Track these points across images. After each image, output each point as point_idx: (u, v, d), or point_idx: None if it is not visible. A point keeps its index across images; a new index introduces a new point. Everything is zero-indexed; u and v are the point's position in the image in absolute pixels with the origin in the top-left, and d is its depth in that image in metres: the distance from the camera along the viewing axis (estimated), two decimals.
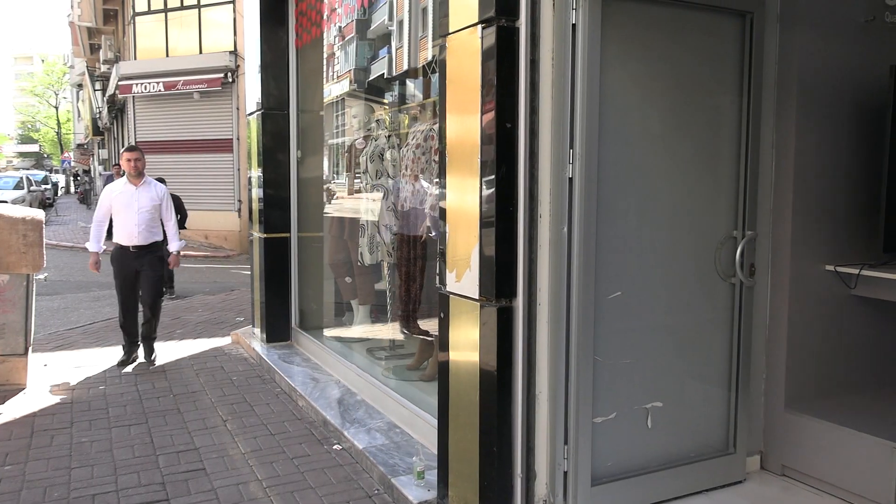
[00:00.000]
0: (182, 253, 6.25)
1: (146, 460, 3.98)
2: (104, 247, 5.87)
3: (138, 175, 5.80)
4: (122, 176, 6.84)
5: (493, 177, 2.82)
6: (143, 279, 5.80)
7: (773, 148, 3.33)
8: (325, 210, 6.19)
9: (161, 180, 6.90)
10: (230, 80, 15.75)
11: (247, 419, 4.64)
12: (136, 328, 5.98)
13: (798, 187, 3.29)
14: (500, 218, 2.83)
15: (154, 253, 5.80)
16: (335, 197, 6.12)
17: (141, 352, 6.08)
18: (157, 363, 5.99)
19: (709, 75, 3.16)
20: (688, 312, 3.17)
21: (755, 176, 3.22)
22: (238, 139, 15.61)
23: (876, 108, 3.32)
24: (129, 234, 5.72)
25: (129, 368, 5.85)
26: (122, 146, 22.19)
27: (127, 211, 5.72)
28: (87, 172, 37.77)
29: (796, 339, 3.37)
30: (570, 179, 2.81)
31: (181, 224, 8.29)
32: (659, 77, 3.02)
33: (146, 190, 5.83)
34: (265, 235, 6.26)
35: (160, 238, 5.87)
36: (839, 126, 3.38)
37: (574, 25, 2.76)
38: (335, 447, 4.12)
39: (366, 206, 5.33)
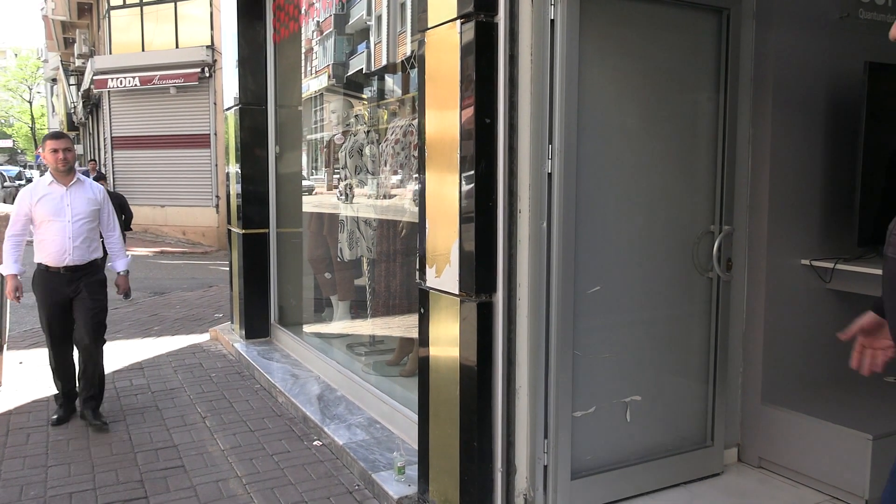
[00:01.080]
0: (161, 250, 6.11)
1: (124, 458, 3.95)
2: (24, 268, 4.45)
3: (69, 171, 4.32)
4: (98, 173, 6.81)
5: (472, 172, 2.82)
6: (78, 311, 4.30)
7: (749, 143, 3.36)
8: (305, 206, 6.16)
9: (101, 177, 6.87)
10: (207, 74, 15.60)
11: (226, 416, 4.61)
12: (73, 378, 4.51)
13: (774, 182, 3.33)
14: (480, 213, 2.83)
15: (93, 275, 4.38)
16: (314, 192, 6.11)
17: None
18: (107, 422, 4.39)
19: (686, 71, 3.18)
20: (666, 307, 3.20)
21: (732, 171, 3.25)
22: (215, 134, 15.47)
23: (850, 104, 3.37)
24: (60, 252, 4.26)
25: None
26: (98, 141, 21.94)
27: (56, 220, 4.24)
28: None
29: (773, 332, 3.42)
30: (549, 175, 2.82)
31: (126, 225, 8.09)
32: (637, 73, 3.03)
33: (81, 190, 4.35)
34: (244, 231, 6.21)
35: (100, 255, 4.52)
36: (814, 122, 3.42)
37: (553, 21, 2.77)
38: (315, 443, 4.10)
39: (345, 201, 5.31)
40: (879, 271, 2.93)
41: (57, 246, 4.27)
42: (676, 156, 3.18)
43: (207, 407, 4.79)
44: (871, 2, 3.53)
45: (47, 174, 4.35)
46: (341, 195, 5.28)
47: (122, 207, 8.07)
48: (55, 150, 4.28)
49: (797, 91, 3.36)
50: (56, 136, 4.42)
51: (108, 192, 7.91)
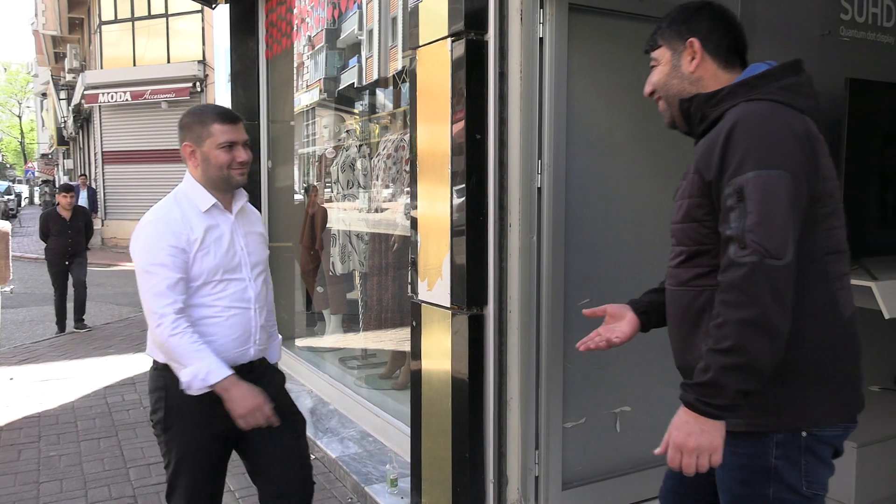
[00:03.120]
0: None
1: (116, 473, 3.95)
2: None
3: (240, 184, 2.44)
4: (88, 188, 6.93)
5: (463, 187, 2.87)
6: (275, 468, 2.55)
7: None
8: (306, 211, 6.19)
9: (94, 192, 7.18)
10: (199, 89, 15.65)
11: None
12: None
13: None
14: (471, 227, 2.88)
15: (273, 375, 2.68)
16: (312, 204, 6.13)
17: None
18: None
19: None
20: None
21: None
22: None
23: (832, 120, 3.44)
24: (242, 338, 2.36)
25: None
26: (88, 156, 21.91)
27: (233, 277, 2.35)
28: (47, 183, 37.11)
29: None
30: (539, 189, 2.87)
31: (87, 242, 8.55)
32: (625, 88, 3.09)
33: (247, 220, 2.52)
34: None
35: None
36: None
37: (541, 39, 2.83)
38: None
39: (337, 215, 5.35)
40: (863, 283, 3.00)
41: (237, 328, 2.33)
42: (664, 170, 3.23)
43: None
44: (852, 20, 3.62)
45: (187, 187, 2.31)
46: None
47: (88, 225, 8.39)
48: (230, 144, 2.28)
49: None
50: (227, 116, 2.32)
51: (76, 206, 8.08)
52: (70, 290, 8.11)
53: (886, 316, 2.95)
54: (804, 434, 1.63)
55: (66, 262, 8.09)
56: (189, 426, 2.28)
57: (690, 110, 1.75)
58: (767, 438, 1.65)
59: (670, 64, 1.78)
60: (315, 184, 5.83)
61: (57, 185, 30.85)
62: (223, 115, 2.31)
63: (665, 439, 1.64)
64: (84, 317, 8.22)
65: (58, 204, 8.26)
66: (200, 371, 2.15)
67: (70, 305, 8.15)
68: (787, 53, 3.49)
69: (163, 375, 2.30)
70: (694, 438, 1.56)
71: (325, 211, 5.52)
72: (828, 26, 3.53)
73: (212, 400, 2.19)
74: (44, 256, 8.41)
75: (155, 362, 2.35)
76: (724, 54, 1.75)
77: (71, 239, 8.12)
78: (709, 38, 1.74)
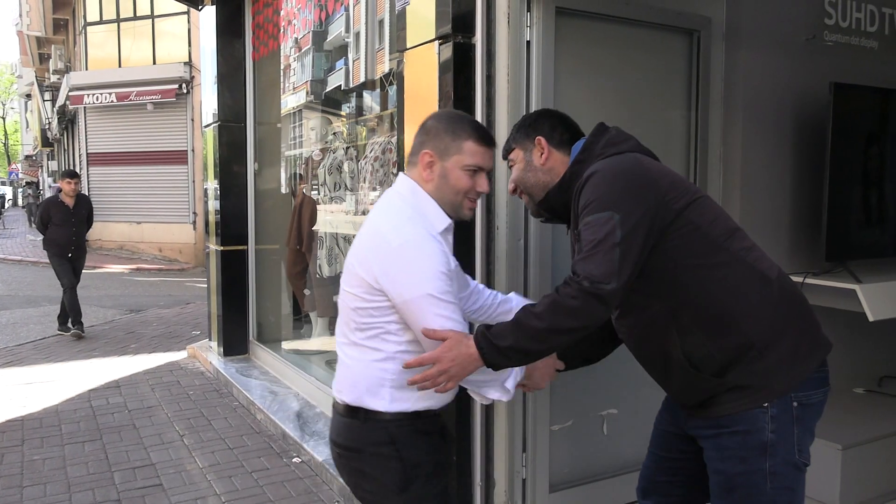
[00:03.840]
0: (137, 267, 6.12)
1: (101, 477, 3.92)
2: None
3: None
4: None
5: None
6: None
7: (720, 161, 3.44)
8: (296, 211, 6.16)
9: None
10: (185, 91, 15.57)
11: (204, 433, 4.59)
12: None
13: (745, 199, 3.41)
14: (458, 231, 2.86)
15: None
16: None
17: None
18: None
19: (659, 90, 3.26)
20: None
21: (703, 187, 3.32)
22: (193, 151, 15.42)
23: (817, 123, 3.47)
24: None
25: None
26: (73, 157, 21.75)
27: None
28: (31, 185, 36.76)
29: None
30: None
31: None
32: (611, 92, 3.10)
33: None
34: (222, 248, 6.20)
35: None
36: (783, 139, 3.52)
37: (528, 42, 2.84)
38: (295, 460, 4.10)
39: (324, 217, 5.33)
40: (847, 285, 3.03)
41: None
42: None
43: (185, 425, 4.76)
44: (836, 24, 3.65)
45: (421, 201, 1.93)
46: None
47: (90, 215, 7.99)
48: (476, 170, 1.96)
49: (766, 110, 3.45)
50: (485, 136, 1.98)
51: (80, 194, 7.71)
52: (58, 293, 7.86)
53: (871, 318, 2.97)
54: (795, 404, 1.80)
55: (70, 255, 7.61)
56: (432, 477, 1.91)
57: (553, 203, 2.04)
58: (764, 413, 1.79)
59: (524, 161, 2.08)
60: (301, 186, 5.82)
61: (40, 187, 30.52)
62: (481, 134, 1.94)
63: (431, 354, 1.76)
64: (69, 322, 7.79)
65: (60, 190, 7.73)
66: (506, 375, 1.88)
67: (57, 307, 8.00)
68: (772, 57, 3.54)
69: (385, 427, 1.86)
70: (458, 361, 1.74)
71: (313, 209, 5.48)
72: (812, 31, 3.56)
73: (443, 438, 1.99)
74: (43, 248, 7.79)
75: (365, 412, 1.87)
76: (566, 146, 2.05)
77: (75, 228, 7.64)
78: (552, 136, 2.05)
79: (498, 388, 1.89)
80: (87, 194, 8.38)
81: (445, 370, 1.73)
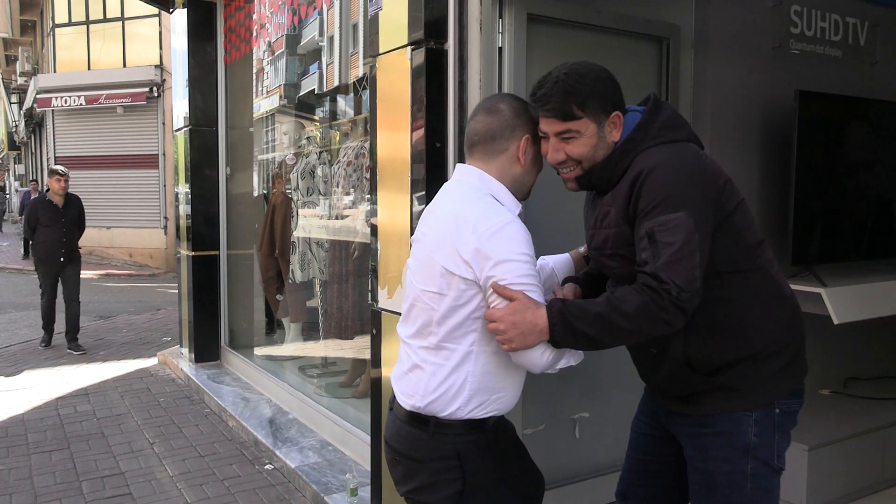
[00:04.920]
0: (106, 273, 5.96)
1: (69, 487, 3.85)
2: None
3: None
4: (39, 193, 6.67)
5: (423, 194, 2.87)
6: None
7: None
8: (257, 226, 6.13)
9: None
10: (156, 94, 15.39)
11: (175, 441, 4.53)
12: None
13: None
14: None
15: None
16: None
17: None
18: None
19: (630, 96, 3.27)
20: None
21: None
22: (164, 155, 15.24)
23: (783, 130, 3.53)
24: None
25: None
26: (41, 161, 21.39)
27: None
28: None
29: None
30: None
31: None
32: None
33: None
34: (193, 253, 6.14)
35: None
36: (750, 146, 3.57)
37: (500, 48, 2.85)
38: (267, 467, 4.07)
39: (297, 222, 5.31)
40: (812, 289, 3.08)
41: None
42: None
43: (155, 433, 4.70)
44: (801, 33, 3.72)
45: (496, 189, 1.92)
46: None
47: (82, 216, 7.39)
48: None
49: (733, 117, 3.51)
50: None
51: (69, 194, 7.03)
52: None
53: (836, 321, 3.03)
54: (777, 411, 1.83)
55: (61, 259, 7.04)
56: (493, 492, 1.89)
57: (592, 178, 1.87)
58: (748, 417, 1.82)
59: (596, 136, 1.82)
60: (275, 190, 5.78)
61: (7, 191, 29.81)
62: None
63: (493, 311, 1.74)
64: (78, 336, 7.25)
65: (48, 190, 7.13)
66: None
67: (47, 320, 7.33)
68: (740, 65, 3.60)
69: (452, 441, 1.84)
70: (519, 328, 1.69)
71: (286, 213, 5.45)
72: (778, 40, 3.63)
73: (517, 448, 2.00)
74: (32, 254, 7.23)
75: (435, 423, 1.84)
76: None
77: (66, 229, 7.06)
78: (622, 107, 1.86)
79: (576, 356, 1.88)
80: (76, 194, 7.48)
81: (503, 332, 1.69)
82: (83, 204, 7.46)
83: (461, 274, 1.76)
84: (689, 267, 1.66)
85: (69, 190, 7.22)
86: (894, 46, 4.10)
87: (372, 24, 3.22)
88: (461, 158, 2.87)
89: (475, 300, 1.78)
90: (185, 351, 6.37)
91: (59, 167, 7.20)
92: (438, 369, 1.83)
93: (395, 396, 1.96)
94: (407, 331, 1.94)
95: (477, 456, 1.85)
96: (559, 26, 3.04)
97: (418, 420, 1.86)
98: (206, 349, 6.19)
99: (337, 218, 4.87)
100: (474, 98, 2.86)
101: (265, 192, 6.09)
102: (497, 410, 1.88)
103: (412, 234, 2.91)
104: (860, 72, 3.95)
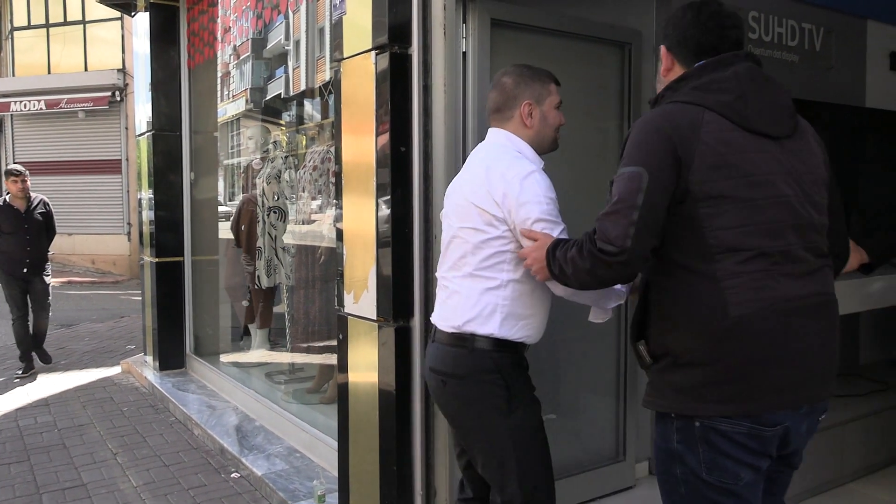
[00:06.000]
0: (68, 280, 5.72)
1: (29, 500, 3.77)
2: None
3: None
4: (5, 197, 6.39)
5: (388, 199, 2.87)
6: None
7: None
8: (222, 232, 6.06)
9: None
10: (118, 98, 15.16)
11: (139, 451, 4.46)
12: None
13: None
14: (396, 240, 2.88)
15: None
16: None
17: None
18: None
19: (593, 101, 3.33)
20: (578, 327, 3.30)
21: None
22: (127, 160, 15.01)
23: None
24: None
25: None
26: (0, 167, 20.93)
27: None
28: None
29: None
30: None
31: None
32: None
33: None
34: (157, 259, 6.06)
35: None
36: None
37: (465, 53, 2.86)
38: (233, 475, 4.02)
39: (262, 228, 5.26)
40: None
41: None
42: (586, 181, 3.31)
43: (119, 443, 4.62)
44: (759, 39, 3.79)
45: (519, 145, 2.26)
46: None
47: (50, 221, 6.74)
48: (559, 106, 2.36)
49: None
50: (556, 78, 2.41)
51: (32, 196, 6.28)
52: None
53: None
54: (697, 424, 1.70)
55: (25, 271, 6.30)
56: (531, 407, 2.23)
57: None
58: (671, 422, 1.74)
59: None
60: (245, 194, 5.73)
61: None
62: (554, 77, 2.34)
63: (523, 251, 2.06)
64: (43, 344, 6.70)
65: (7, 193, 6.37)
66: (608, 296, 2.21)
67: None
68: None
69: (490, 357, 2.13)
70: (539, 262, 1.98)
71: (252, 218, 5.39)
72: None
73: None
74: None
75: (473, 341, 2.13)
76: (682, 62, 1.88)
77: (30, 236, 6.34)
78: (672, 46, 1.92)
79: (600, 311, 2.26)
80: (43, 197, 6.68)
81: (530, 265, 2.00)
82: (51, 207, 6.74)
83: (492, 212, 2.08)
84: (623, 223, 1.65)
85: (35, 192, 6.60)
86: (849, 51, 4.20)
87: (336, 29, 3.21)
88: (426, 162, 2.89)
89: (504, 236, 2.09)
90: (150, 359, 6.28)
91: (15, 167, 6.46)
92: (473, 293, 2.13)
93: (435, 330, 2.25)
94: (444, 267, 2.25)
95: (514, 372, 2.17)
96: (523, 31, 3.06)
97: (459, 339, 2.14)
98: (170, 357, 6.11)
99: (303, 223, 4.84)
100: (439, 102, 2.87)
101: (231, 197, 6.04)
102: (526, 336, 2.18)
103: (378, 238, 2.92)
104: (816, 76, 4.04)
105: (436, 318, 2.26)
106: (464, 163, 2.87)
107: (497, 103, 2.26)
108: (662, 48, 1.87)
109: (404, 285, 2.90)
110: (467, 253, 2.14)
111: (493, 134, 2.28)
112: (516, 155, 2.18)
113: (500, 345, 2.13)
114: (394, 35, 2.85)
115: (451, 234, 2.22)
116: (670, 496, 1.83)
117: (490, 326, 2.11)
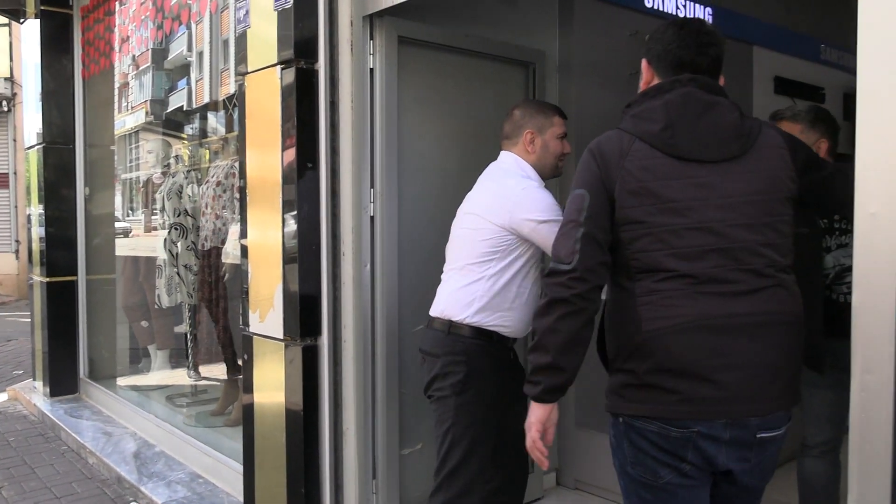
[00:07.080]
0: None
1: None
2: None
3: None
4: None
5: (295, 215, 2.83)
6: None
7: (556, 185, 3.62)
8: (118, 250, 5.80)
9: None
10: (6, 108, 14.33)
11: (27, 483, 4.19)
12: None
13: None
14: (303, 257, 2.83)
15: None
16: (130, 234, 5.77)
17: None
18: None
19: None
20: None
21: None
22: (15, 174, 14.18)
23: None
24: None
25: None
26: None
27: None
28: None
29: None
30: (372, 218, 2.88)
31: None
32: (455, 119, 3.20)
33: None
34: (48, 279, 5.73)
35: None
36: None
37: (372, 70, 2.87)
38: None
39: (162, 245, 5.07)
40: None
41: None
42: None
43: (4, 475, 4.32)
44: None
45: (525, 169, 2.55)
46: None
47: None
48: (563, 136, 2.63)
49: (594, 137, 3.67)
50: (562, 111, 2.68)
51: None
52: None
53: None
54: (621, 420, 1.84)
55: None
56: (489, 389, 2.44)
57: None
58: (610, 420, 1.89)
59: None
60: (144, 210, 5.51)
61: None
62: (560, 110, 2.65)
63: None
64: None
65: None
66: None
67: None
68: (600, 90, 3.78)
69: (462, 340, 2.41)
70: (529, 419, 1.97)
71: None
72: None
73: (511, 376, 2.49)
74: None
75: (450, 325, 2.43)
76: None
77: None
78: (647, 55, 1.96)
79: None
80: None
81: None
82: None
83: (493, 220, 2.37)
84: (570, 241, 1.75)
85: None
86: (737, 75, 4.44)
87: (240, 42, 3.15)
88: (334, 178, 2.87)
89: (496, 237, 2.37)
90: (39, 384, 5.92)
91: None
92: (458, 283, 2.44)
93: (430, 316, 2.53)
94: (445, 265, 2.57)
95: (479, 356, 2.40)
96: (430, 49, 3.09)
97: (440, 323, 2.45)
98: (62, 382, 5.77)
99: (206, 240, 4.70)
100: (346, 119, 2.85)
101: (129, 212, 5.79)
102: (501, 327, 2.43)
103: (284, 255, 2.87)
104: None
105: (432, 306, 2.56)
106: (372, 179, 2.88)
107: (507, 131, 2.59)
108: (644, 61, 1.91)
109: (312, 303, 2.86)
110: (463, 248, 2.46)
111: (503, 156, 2.60)
112: (522, 175, 2.49)
113: (474, 332, 2.40)
114: (300, 50, 2.82)
115: (454, 236, 2.56)
116: (622, 490, 1.94)
117: (465, 314, 2.40)
